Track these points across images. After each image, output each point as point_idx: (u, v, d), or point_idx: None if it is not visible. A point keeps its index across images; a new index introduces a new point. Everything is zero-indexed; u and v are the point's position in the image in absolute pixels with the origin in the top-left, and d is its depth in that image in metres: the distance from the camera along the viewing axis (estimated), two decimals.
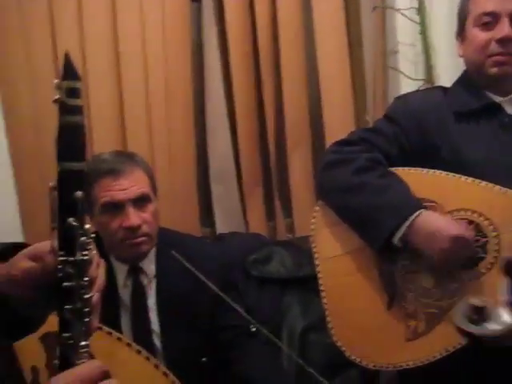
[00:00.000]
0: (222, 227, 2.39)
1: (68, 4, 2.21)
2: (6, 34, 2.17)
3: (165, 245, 1.68)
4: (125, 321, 1.64)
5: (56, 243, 0.74)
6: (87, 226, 0.74)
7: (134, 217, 1.58)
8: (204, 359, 1.64)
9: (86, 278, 0.74)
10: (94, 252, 0.77)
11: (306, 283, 2.10)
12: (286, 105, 2.42)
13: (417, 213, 1.38)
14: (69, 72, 0.71)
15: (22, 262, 0.81)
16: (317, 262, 1.57)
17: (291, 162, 2.44)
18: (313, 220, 1.59)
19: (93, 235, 0.76)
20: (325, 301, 1.54)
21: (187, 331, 1.63)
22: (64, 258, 0.73)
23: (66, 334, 0.72)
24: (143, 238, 1.61)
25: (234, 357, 1.66)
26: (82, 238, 0.73)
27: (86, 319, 0.73)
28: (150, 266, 1.68)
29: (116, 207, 1.59)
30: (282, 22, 2.38)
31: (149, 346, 1.60)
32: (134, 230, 1.59)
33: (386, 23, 2.47)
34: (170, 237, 1.73)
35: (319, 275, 1.56)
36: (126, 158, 1.66)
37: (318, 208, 1.59)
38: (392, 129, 1.54)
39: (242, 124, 2.39)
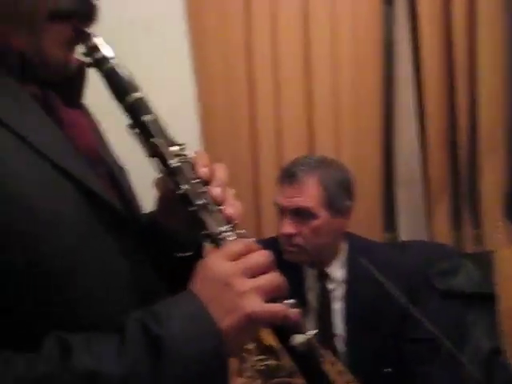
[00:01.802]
0: (404, 233, 2.32)
1: (262, 5, 2.27)
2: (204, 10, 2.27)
3: (354, 251, 1.67)
4: (310, 323, 1.66)
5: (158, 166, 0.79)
6: (171, 138, 0.79)
7: (287, 226, 1.59)
8: (388, 370, 1.60)
9: (194, 180, 0.77)
10: (192, 156, 0.80)
11: (495, 301, 1.96)
12: (480, 108, 2.28)
13: None
14: (81, 37, 0.77)
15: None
16: (496, 281, 1.46)
17: (483, 169, 2.29)
18: (497, 235, 1.49)
19: (181, 144, 0.79)
20: (502, 322, 1.43)
21: (373, 339, 1.61)
22: (165, 172, 0.78)
23: (204, 232, 0.75)
24: (293, 249, 1.61)
25: (420, 371, 1.60)
26: (171, 148, 0.78)
27: (214, 210, 0.76)
28: (337, 271, 1.67)
29: (281, 212, 1.62)
30: (481, 23, 2.24)
31: (331, 349, 1.59)
32: (287, 238, 1.60)
33: None
34: (358, 243, 1.72)
35: (498, 294, 1.46)
36: (309, 166, 1.63)
37: (501, 224, 1.48)
38: None
39: (431, 127, 2.30)
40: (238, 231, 0.76)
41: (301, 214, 1.59)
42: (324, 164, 1.65)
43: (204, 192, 0.76)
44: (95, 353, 0.62)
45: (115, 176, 0.84)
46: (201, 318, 0.66)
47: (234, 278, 0.68)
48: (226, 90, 2.27)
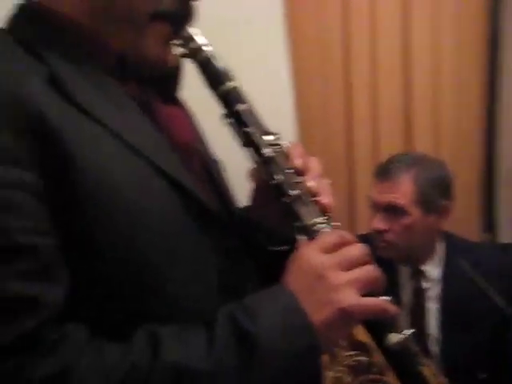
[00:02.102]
0: (504, 235, 2.22)
1: None
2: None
3: (451, 250, 1.64)
4: (403, 322, 1.63)
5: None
6: (265, 127, 0.78)
7: (377, 221, 1.59)
8: (484, 375, 1.54)
9: (288, 170, 0.76)
10: (287, 146, 0.78)
11: None
12: None
13: None
14: (178, 34, 0.78)
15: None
16: None
17: None
18: None
19: (275, 134, 0.79)
20: None
21: (468, 341, 1.55)
22: (259, 161, 0.77)
23: (298, 223, 0.74)
24: (383, 244, 1.60)
25: None
26: (265, 138, 0.77)
27: (308, 201, 0.74)
28: (433, 270, 1.64)
29: (374, 207, 1.62)
30: None
31: (423, 350, 1.56)
32: (379, 234, 1.60)
33: None
34: (456, 243, 1.67)
35: None
36: (405, 163, 1.61)
37: None
38: None
39: None
40: (332, 223, 0.74)
41: (393, 211, 1.58)
42: (421, 162, 1.62)
43: (298, 182, 0.76)
44: (184, 347, 0.62)
45: (210, 170, 0.84)
46: (293, 311, 0.65)
47: (329, 270, 0.67)
48: (322, 83, 2.25)
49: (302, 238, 0.75)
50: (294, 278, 0.68)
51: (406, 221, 1.57)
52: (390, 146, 2.12)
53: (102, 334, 0.63)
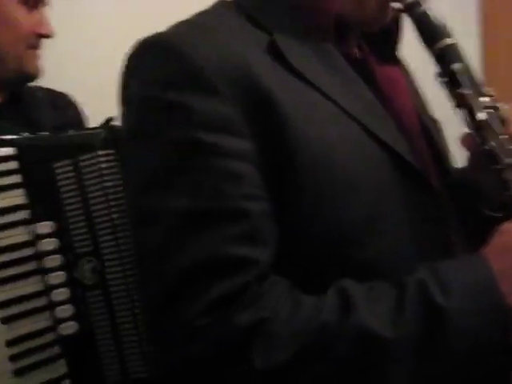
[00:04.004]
0: None
1: None
2: None
3: None
4: None
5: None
6: (482, 89, 0.74)
7: None
8: None
9: (504, 135, 0.71)
10: (504, 109, 0.74)
11: None
12: None
13: None
14: None
15: None
16: None
17: None
18: None
19: (492, 96, 0.74)
20: None
21: None
22: (472, 125, 0.72)
23: (509, 193, 0.70)
24: None
25: None
26: (480, 100, 0.72)
27: None
28: None
29: None
30: None
31: None
32: None
33: None
34: None
35: None
36: None
37: None
38: None
39: None
40: None
41: None
42: None
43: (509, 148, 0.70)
44: (372, 309, 0.61)
45: (430, 132, 0.81)
46: (489, 290, 0.61)
47: None
48: None
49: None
50: (495, 254, 0.64)
51: None
52: None
53: (300, 287, 0.65)
